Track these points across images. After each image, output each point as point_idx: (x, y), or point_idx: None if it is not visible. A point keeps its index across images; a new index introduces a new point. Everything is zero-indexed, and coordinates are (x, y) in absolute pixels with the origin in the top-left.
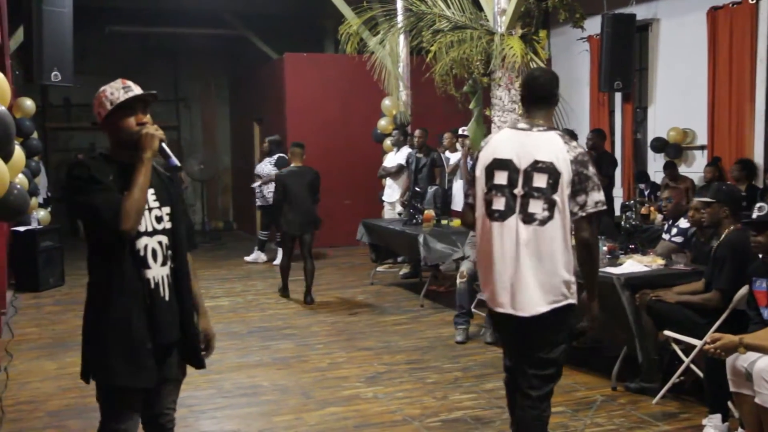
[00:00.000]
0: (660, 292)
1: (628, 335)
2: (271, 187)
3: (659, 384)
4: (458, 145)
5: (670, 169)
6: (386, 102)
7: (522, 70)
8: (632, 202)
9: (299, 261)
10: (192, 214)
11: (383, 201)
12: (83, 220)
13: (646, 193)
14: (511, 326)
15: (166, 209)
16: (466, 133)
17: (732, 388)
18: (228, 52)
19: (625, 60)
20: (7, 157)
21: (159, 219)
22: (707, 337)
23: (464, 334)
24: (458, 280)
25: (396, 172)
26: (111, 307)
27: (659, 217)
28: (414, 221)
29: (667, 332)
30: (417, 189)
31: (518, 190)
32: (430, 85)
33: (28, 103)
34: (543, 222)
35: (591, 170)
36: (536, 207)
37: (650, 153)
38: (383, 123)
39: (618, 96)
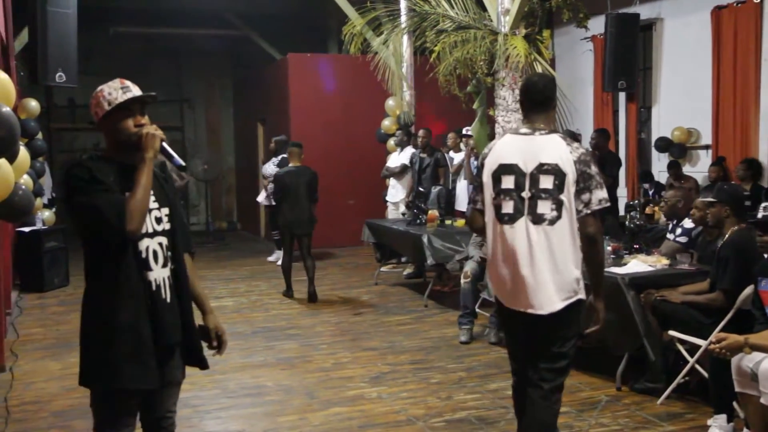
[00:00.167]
0: (665, 292)
1: (634, 335)
2: None
3: (664, 384)
4: (462, 145)
5: (674, 168)
6: (390, 102)
7: (526, 70)
8: (636, 202)
9: (298, 261)
10: (196, 215)
11: (387, 201)
12: (85, 222)
13: (651, 192)
14: (525, 324)
15: (165, 210)
16: (469, 133)
17: (737, 389)
18: (232, 52)
19: (629, 60)
20: (12, 158)
21: (159, 220)
22: (712, 337)
23: (468, 334)
24: (462, 281)
25: (399, 173)
26: (119, 310)
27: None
28: (418, 221)
29: (671, 332)
30: (420, 189)
31: (526, 193)
32: (434, 85)
33: (33, 104)
34: (552, 222)
35: (594, 169)
36: (545, 208)
37: (654, 153)
38: (387, 123)
39: (622, 96)
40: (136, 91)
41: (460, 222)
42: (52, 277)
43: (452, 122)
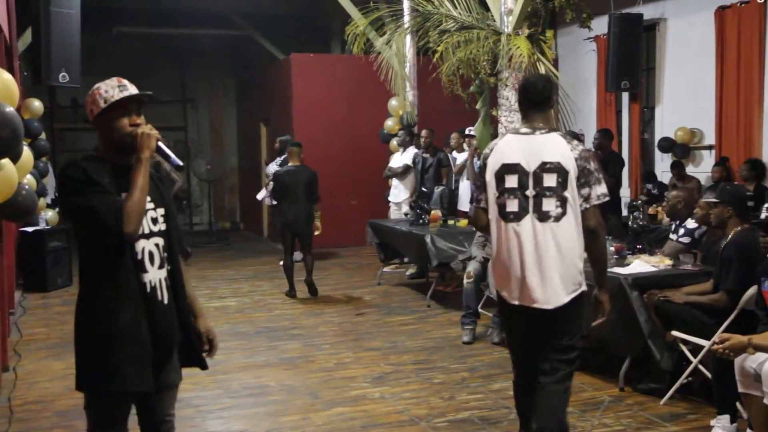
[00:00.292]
0: (668, 293)
1: (637, 336)
2: None
3: (667, 385)
4: (465, 146)
5: (677, 168)
6: (393, 102)
7: (529, 70)
8: (639, 202)
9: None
10: (199, 215)
11: (389, 201)
12: (81, 224)
13: (654, 192)
14: (531, 319)
15: (161, 210)
16: (472, 133)
17: (740, 389)
18: (235, 52)
19: (632, 60)
20: (15, 158)
21: (155, 221)
22: (716, 338)
23: (471, 334)
24: (465, 281)
25: (402, 173)
26: (115, 312)
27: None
28: (421, 221)
29: (675, 333)
30: (423, 189)
31: (530, 191)
32: (437, 86)
33: (37, 104)
34: (558, 218)
35: (593, 165)
36: (550, 205)
37: (658, 153)
38: (390, 123)
39: (625, 96)
40: (133, 89)
41: (463, 222)
42: (55, 276)
43: (455, 122)
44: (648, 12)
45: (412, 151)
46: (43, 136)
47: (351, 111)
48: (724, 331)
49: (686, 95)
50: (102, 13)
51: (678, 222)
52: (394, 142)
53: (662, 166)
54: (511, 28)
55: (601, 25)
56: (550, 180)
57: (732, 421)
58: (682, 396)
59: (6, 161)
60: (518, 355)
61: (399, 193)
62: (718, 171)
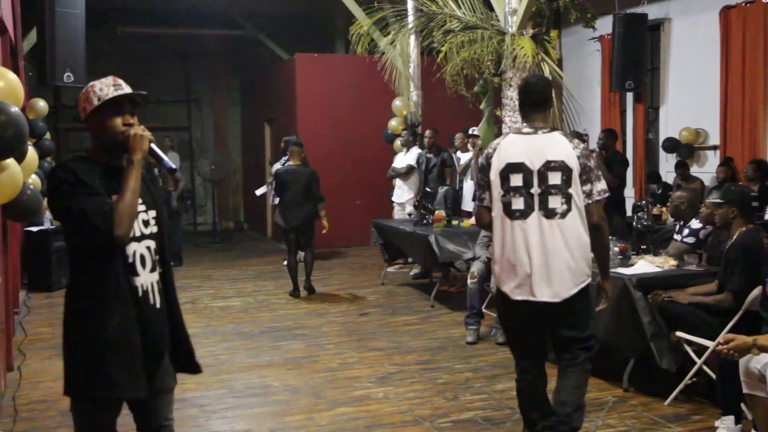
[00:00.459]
0: (672, 293)
1: (641, 338)
2: None
3: (671, 385)
4: (469, 146)
5: (681, 169)
6: (397, 102)
7: (533, 71)
8: (644, 202)
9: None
10: (203, 214)
11: (393, 202)
12: (71, 227)
13: (658, 193)
14: (538, 314)
15: (152, 213)
16: (476, 133)
17: (745, 390)
18: (239, 52)
19: (636, 60)
20: (20, 158)
21: (146, 223)
22: (720, 338)
23: (475, 334)
24: (469, 281)
25: (405, 173)
26: (106, 317)
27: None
28: (424, 222)
29: (679, 333)
30: (427, 189)
31: (535, 189)
32: (441, 86)
33: (41, 104)
34: (563, 215)
35: (593, 163)
36: (555, 202)
37: (662, 153)
38: (394, 123)
39: (629, 96)
40: (128, 89)
41: (467, 222)
42: (59, 276)
43: (459, 123)
44: (652, 12)
45: (415, 151)
46: (47, 136)
47: (355, 111)
48: (729, 331)
49: (691, 95)
50: (106, 14)
51: (682, 222)
52: (397, 142)
53: (666, 166)
54: (515, 28)
55: (605, 25)
56: (554, 178)
57: (736, 422)
58: (686, 397)
59: (11, 161)
60: (521, 350)
61: (402, 193)
62: (722, 171)
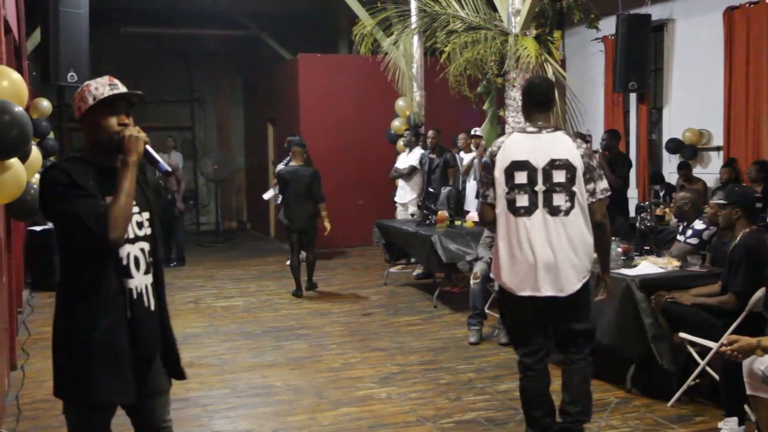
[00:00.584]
0: (676, 294)
1: (642, 339)
2: None
3: (674, 387)
4: (472, 146)
5: (685, 170)
6: (400, 103)
7: (536, 71)
8: (647, 203)
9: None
10: (206, 214)
11: (395, 202)
12: (64, 229)
13: (661, 194)
14: (542, 308)
15: (146, 214)
16: (479, 133)
17: (748, 391)
18: (242, 52)
19: (640, 60)
20: (24, 158)
21: (140, 225)
22: (724, 339)
23: (478, 335)
24: (472, 281)
25: (408, 174)
26: (97, 320)
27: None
28: (427, 222)
29: (682, 334)
30: (430, 190)
31: (539, 187)
32: (444, 86)
33: (45, 104)
34: (567, 212)
35: (595, 162)
36: (560, 200)
37: (665, 154)
38: (397, 123)
39: (633, 97)
40: (123, 89)
41: (470, 222)
42: None
43: (462, 123)
44: (656, 13)
45: (418, 151)
46: (51, 135)
47: (358, 111)
48: (732, 332)
49: (694, 96)
50: (110, 14)
51: (685, 223)
52: (400, 142)
53: (670, 167)
54: (518, 28)
55: (608, 25)
56: (559, 176)
57: (740, 424)
58: (689, 398)
59: (14, 161)
60: (525, 347)
61: (405, 193)
62: (726, 172)
